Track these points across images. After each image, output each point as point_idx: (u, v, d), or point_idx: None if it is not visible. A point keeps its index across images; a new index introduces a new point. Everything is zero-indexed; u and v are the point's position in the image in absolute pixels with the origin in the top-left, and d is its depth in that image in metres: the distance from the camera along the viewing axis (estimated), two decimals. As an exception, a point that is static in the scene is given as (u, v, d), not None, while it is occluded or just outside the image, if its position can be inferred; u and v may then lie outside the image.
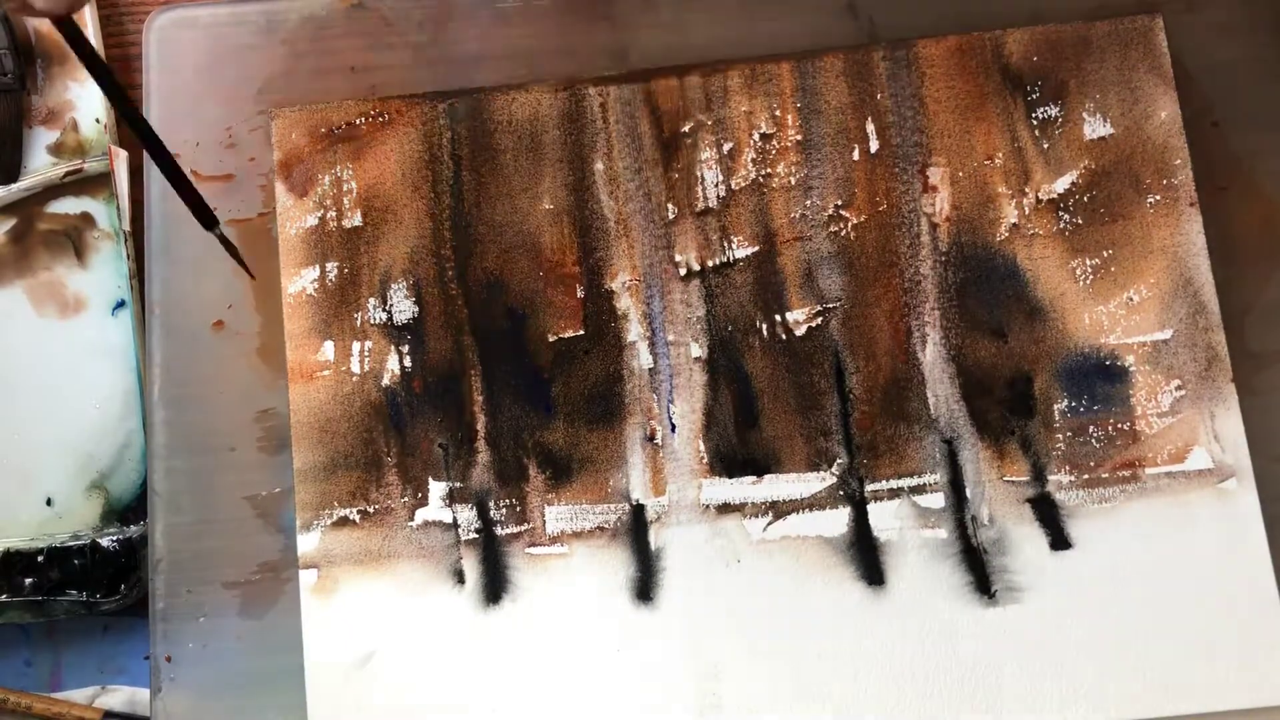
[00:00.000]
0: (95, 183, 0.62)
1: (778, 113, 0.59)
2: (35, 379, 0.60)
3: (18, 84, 0.62)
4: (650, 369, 0.57)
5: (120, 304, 0.61)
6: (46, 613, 0.59)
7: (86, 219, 0.62)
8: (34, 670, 0.61)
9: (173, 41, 0.61)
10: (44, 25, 0.62)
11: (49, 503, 0.60)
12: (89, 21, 0.62)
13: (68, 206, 0.62)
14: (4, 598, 0.59)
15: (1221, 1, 0.59)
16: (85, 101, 0.62)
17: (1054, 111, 0.58)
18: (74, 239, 0.61)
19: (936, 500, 0.55)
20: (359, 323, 0.58)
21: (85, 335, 0.61)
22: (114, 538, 0.59)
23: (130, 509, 0.60)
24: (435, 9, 0.61)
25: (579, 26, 0.60)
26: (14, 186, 0.61)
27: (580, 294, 0.57)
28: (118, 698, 0.60)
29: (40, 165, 0.62)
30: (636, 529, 0.55)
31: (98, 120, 0.62)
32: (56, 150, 0.62)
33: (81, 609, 0.59)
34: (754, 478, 0.56)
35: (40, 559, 0.59)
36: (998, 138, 0.58)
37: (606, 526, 0.55)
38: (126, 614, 0.60)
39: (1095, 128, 0.58)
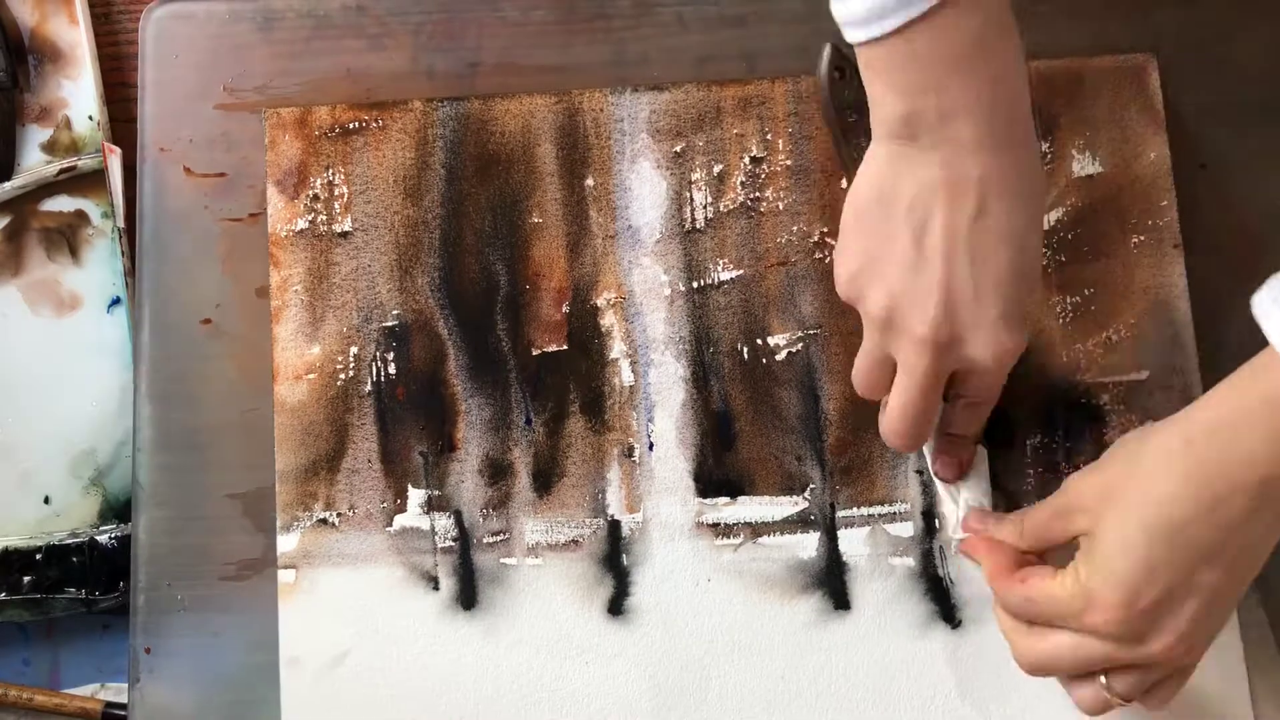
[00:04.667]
0: (89, 180, 0.62)
1: (769, 136, 0.59)
2: (32, 377, 0.60)
3: (10, 81, 0.61)
4: (631, 386, 0.57)
5: (115, 301, 0.61)
6: (45, 611, 0.60)
7: (81, 216, 0.62)
8: (32, 669, 0.62)
9: (170, 35, 0.61)
10: (36, 21, 0.62)
11: (47, 501, 0.60)
12: (80, 17, 0.62)
13: (62, 204, 0.62)
14: (2, 596, 0.59)
15: (1214, 44, 0.59)
16: (78, 99, 0.62)
17: (1044, 147, 0.58)
18: (69, 237, 0.61)
19: (906, 529, 0.56)
20: (345, 327, 0.58)
21: (81, 333, 0.61)
22: (112, 535, 0.60)
23: (128, 506, 0.60)
24: (435, 15, 0.61)
25: (577, 39, 0.60)
26: (7, 185, 0.61)
27: (565, 309, 0.58)
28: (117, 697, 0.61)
29: (33, 163, 0.62)
30: (610, 544, 0.56)
31: (91, 118, 0.62)
32: (50, 148, 0.62)
33: (80, 607, 0.59)
34: (728, 498, 0.56)
35: (38, 557, 0.60)
36: (986, 171, 0.58)
37: (581, 541, 0.56)
38: (125, 612, 0.61)
39: (1084, 165, 0.58)
